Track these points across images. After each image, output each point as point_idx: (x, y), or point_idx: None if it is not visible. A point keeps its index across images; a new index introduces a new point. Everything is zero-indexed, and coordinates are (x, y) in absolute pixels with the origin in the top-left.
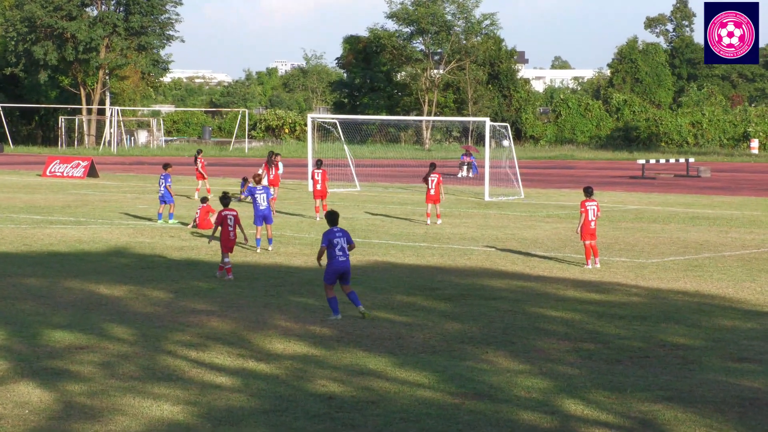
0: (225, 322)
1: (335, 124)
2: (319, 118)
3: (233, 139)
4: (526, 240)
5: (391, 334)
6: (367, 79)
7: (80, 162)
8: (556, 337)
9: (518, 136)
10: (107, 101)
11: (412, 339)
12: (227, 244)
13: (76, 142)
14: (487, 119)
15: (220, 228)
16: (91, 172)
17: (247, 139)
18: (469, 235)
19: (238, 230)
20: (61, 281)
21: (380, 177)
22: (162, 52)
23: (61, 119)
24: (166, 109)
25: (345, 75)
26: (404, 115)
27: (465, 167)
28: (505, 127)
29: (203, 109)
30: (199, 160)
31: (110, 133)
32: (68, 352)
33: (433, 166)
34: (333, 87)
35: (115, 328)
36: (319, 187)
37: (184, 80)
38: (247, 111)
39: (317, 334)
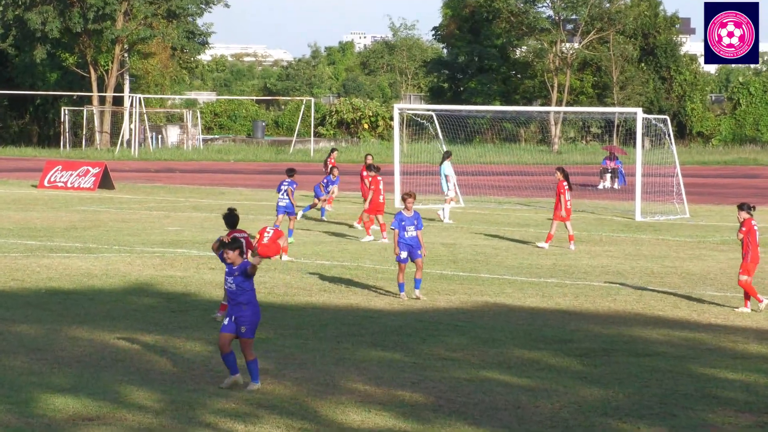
0: (283, 384)
1: (431, 117)
2: (409, 109)
3: (294, 138)
4: (692, 275)
5: (507, 403)
6: (475, 57)
7: (89, 168)
8: (734, 408)
9: (681, 132)
10: (126, 87)
11: (537, 409)
12: None
13: (84, 142)
14: (639, 110)
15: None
16: (104, 182)
17: (312, 138)
18: (614, 267)
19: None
20: (63, 329)
21: (492, 189)
22: (199, 21)
23: (64, 111)
24: (204, 97)
25: (445, 51)
26: (525, 104)
27: (608, 176)
28: (664, 121)
29: (255, 98)
30: (331, 160)
31: (130, 129)
32: (72, 424)
33: (562, 171)
34: (429, 67)
35: (136, 391)
36: (381, 198)
37: (229, 59)
38: (313, 100)
39: (407, 402)
